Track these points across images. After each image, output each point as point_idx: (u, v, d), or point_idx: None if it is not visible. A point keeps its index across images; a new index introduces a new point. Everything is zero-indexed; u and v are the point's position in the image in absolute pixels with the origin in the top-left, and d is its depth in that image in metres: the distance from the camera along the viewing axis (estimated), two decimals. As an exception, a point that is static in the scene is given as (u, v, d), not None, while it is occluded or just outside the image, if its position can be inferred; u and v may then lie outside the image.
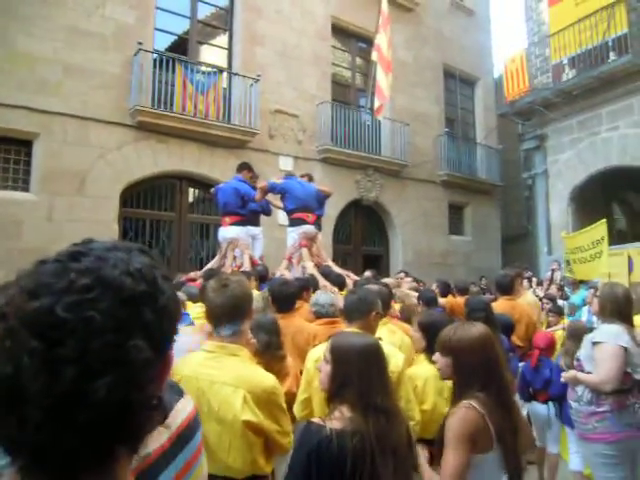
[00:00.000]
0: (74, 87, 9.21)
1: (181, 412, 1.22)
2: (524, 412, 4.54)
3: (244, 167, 7.43)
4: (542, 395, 4.69)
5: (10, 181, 8.80)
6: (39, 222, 8.67)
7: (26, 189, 8.87)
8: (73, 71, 9.24)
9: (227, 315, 2.25)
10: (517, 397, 4.57)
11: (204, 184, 10.84)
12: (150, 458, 0.99)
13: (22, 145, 8.92)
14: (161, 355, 0.77)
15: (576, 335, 4.30)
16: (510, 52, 17.24)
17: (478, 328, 2.33)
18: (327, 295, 4.15)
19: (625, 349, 3.35)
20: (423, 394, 2.93)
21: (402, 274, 8.81)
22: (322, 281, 5.69)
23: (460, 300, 6.78)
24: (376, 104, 11.94)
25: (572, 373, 3.64)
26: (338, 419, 1.83)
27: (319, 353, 2.86)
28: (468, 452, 2.05)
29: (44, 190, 8.82)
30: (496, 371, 2.22)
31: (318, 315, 4.01)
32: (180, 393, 1.29)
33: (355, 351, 1.98)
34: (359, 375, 1.91)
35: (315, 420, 1.90)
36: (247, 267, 6.40)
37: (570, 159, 13.49)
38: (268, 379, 2.25)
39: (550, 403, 4.67)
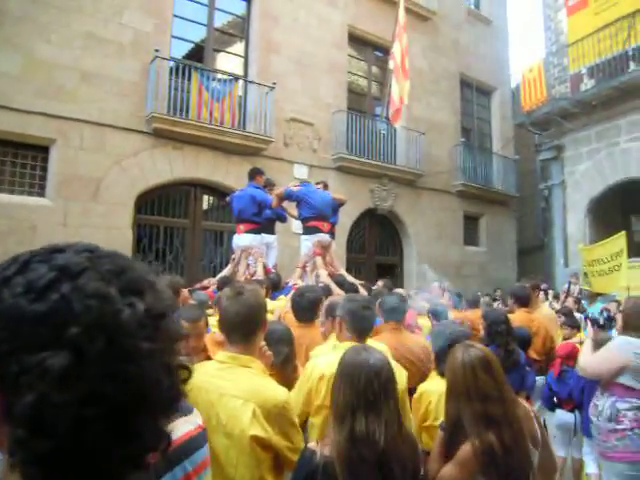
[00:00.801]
0: (91, 94, 9.27)
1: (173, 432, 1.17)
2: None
3: (256, 172, 7.35)
4: (568, 404, 4.70)
5: (26, 186, 8.85)
6: (54, 227, 8.70)
7: (42, 194, 8.91)
8: (90, 78, 9.29)
9: (240, 324, 2.19)
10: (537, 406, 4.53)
11: (219, 191, 10.85)
12: None
13: (39, 151, 8.97)
14: None
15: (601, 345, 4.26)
16: (527, 62, 17.17)
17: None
18: None
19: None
20: (437, 411, 2.84)
21: (436, 284, 8.45)
22: (336, 290, 5.63)
23: (469, 314, 6.66)
24: (390, 112, 11.88)
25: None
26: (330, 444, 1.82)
27: (323, 370, 2.72)
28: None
29: (59, 195, 8.86)
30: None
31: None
32: (187, 410, 1.24)
33: (364, 372, 1.94)
34: (365, 398, 1.88)
35: (311, 446, 1.87)
36: (260, 275, 6.36)
37: (588, 170, 13.33)
38: (280, 393, 2.18)
39: (576, 411, 4.69)
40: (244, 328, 2.19)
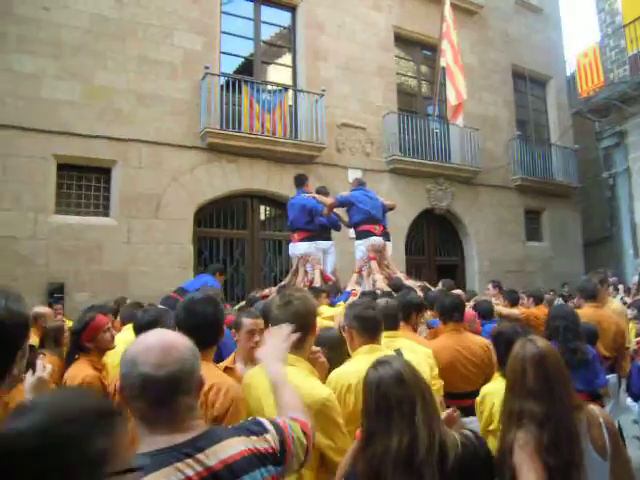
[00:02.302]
0: (147, 114, 9.58)
1: (225, 450, 1.22)
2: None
3: (303, 180, 7.35)
4: None
5: (91, 207, 9.22)
6: (118, 245, 9.02)
7: (106, 214, 9.26)
8: (145, 99, 9.61)
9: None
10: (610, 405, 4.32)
11: (274, 201, 10.98)
12: None
13: (101, 172, 9.34)
14: None
15: None
16: (582, 47, 16.57)
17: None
18: None
19: None
20: (497, 413, 2.75)
21: (490, 285, 8.29)
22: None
23: (535, 310, 6.46)
24: (448, 110, 11.72)
25: None
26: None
27: (349, 379, 2.64)
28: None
29: (122, 214, 9.18)
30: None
31: None
32: (257, 430, 1.35)
33: (383, 385, 1.89)
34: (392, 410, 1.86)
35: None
36: (318, 282, 6.38)
37: (654, 155, 12.75)
38: (321, 391, 2.18)
39: None
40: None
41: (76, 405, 0.90)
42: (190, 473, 1.20)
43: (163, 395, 1.30)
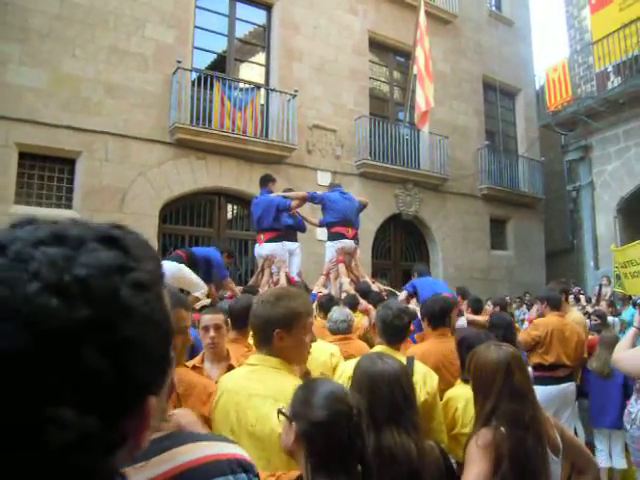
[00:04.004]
0: (115, 106, 9.38)
1: (176, 458, 1.08)
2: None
3: (268, 179, 7.24)
4: None
5: (54, 198, 8.98)
6: (81, 239, 8.78)
7: (69, 206, 9.03)
8: (114, 91, 9.41)
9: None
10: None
11: (242, 200, 10.87)
12: None
13: (65, 163, 9.10)
14: (132, 410, 0.52)
15: (609, 344, 4.81)
16: (551, 61, 16.87)
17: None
18: (341, 311, 4.08)
19: None
20: (464, 417, 2.74)
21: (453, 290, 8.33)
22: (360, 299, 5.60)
23: (479, 318, 6.57)
24: (416, 116, 11.79)
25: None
26: None
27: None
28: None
29: (86, 207, 8.96)
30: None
31: (332, 332, 3.98)
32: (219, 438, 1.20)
33: (385, 380, 1.94)
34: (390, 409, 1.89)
35: None
36: (283, 284, 6.31)
37: (617, 170, 13.04)
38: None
39: None
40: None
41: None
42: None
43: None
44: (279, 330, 2.02)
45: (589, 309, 8.97)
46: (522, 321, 9.48)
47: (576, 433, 5.06)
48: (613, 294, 9.55)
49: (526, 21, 17.44)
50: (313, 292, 6.22)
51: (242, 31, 11.82)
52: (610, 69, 12.97)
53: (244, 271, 10.66)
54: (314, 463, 1.46)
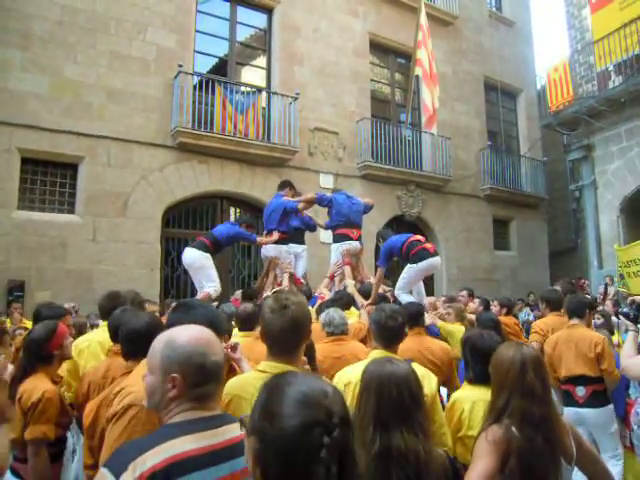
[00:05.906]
0: (117, 111, 9.41)
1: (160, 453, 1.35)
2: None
3: (286, 185, 7.32)
4: None
5: (56, 203, 9.00)
6: (83, 243, 8.82)
7: (72, 211, 9.05)
8: (116, 95, 9.44)
9: (285, 339, 2.17)
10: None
11: (245, 203, 10.89)
12: None
13: (68, 168, 9.13)
14: None
15: None
16: (552, 61, 16.83)
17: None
18: (337, 313, 4.08)
19: None
20: (471, 419, 2.73)
21: (465, 292, 8.30)
22: (359, 299, 5.60)
23: (505, 319, 6.48)
24: (424, 118, 11.78)
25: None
26: None
27: (350, 377, 2.80)
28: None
29: (88, 212, 8.98)
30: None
31: (328, 334, 4.00)
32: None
33: (394, 382, 1.94)
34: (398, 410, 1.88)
35: None
36: (287, 286, 6.31)
37: (619, 169, 13.01)
38: None
39: None
40: (289, 343, 2.18)
41: None
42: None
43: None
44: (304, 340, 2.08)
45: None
46: (527, 323, 9.38)
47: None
48: (617, 293, 9.53)
49: (527, 21, 17.42)
50: (315, 294, 6.23)
51: (243, 35, 11.84)
52: (611, 68, 12.93)
53: (247, 274, 10.66)
54: None
